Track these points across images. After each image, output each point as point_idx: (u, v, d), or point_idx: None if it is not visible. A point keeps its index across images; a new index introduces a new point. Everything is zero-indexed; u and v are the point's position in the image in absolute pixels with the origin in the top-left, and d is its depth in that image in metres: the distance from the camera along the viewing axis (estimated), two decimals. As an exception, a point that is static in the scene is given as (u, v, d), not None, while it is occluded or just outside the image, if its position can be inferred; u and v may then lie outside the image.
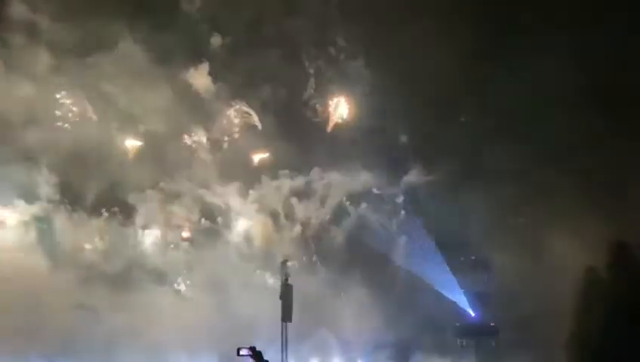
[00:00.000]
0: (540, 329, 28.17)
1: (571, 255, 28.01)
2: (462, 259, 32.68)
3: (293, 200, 34.19)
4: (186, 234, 33.14)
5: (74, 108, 31.11)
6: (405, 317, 31.57)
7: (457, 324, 33.38)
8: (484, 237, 31.26)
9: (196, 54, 32.82)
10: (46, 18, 29.73)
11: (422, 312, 31.33)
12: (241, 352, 7.30)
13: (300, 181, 34.22)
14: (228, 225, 33.64)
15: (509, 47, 30.84)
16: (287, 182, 34.16)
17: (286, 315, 29.08)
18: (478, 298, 32.78)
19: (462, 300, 32.86)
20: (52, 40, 29.86)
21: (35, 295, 27.70)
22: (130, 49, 30.22)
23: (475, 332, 33.00)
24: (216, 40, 32.95)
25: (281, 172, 34.16)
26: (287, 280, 29.54)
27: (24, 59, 29.90)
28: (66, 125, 31.12)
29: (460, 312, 33.13)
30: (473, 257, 33.04)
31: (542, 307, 28.07)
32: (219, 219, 33.57)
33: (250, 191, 33.73)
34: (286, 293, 29.27)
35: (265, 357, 8.86)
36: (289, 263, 30.73)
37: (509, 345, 29.50)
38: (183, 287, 31.59)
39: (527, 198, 29.97)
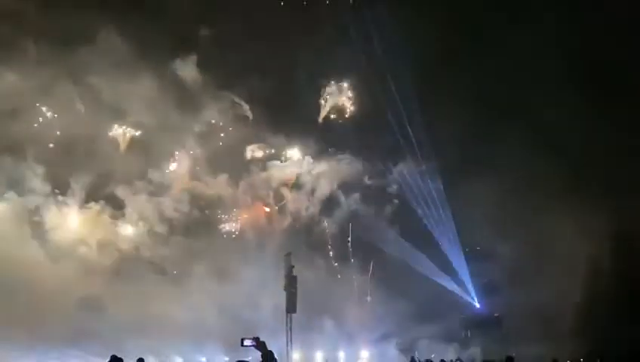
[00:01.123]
0: (545, 319, 28.07)
1: (577, 244, 27.83)
2: (466, 249, 32.53)
3: (284, 191, 34.09)
4: (177, 224, 32.98)
5: (60, 100, 30.92)
6: (409, 309, 31.51)
7: (462, 315, 33.33)
8: (489, 226, 31.06)
9: (184, 45, 32.53)
10: (32, 7, 29.33)
11: (426, 303, 31.26)
12: (245, 343, 7.19)
13: (290, 171, 34.10)
14: (219, 216, 33.62)
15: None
16: (278, 173, 34.06)
17: (290, 306, 29.08)
18: (483, 288, 32.69)
19: (467, 291, 32.78)
20: (38, 30, 29.50)
21: (36, 287, 27.59)
22: (115, 40, 29.82)
23: (480, 323, 32.95)
24: (204, 30, 32.72)
25: (272, 162, 34.10)
26: (291, 271, 29.52)
27: (9, 49, 29.57)
28: (54, 116, 31.07)
29: (464, 303, 33.07)
30: (478, 248, 32.93)
31: (548, 296, 27.93)
32: (209, 211, 33.54)
33: (240, 183, 33.61)
34: (290, 284, 29.27)
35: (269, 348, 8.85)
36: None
37: (514, 336, 29.37)
38: (183, 278, 31.42)
39: (531, 187, 29.66)
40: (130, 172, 32.13)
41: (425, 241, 32.82)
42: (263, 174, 33.98)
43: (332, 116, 34.62)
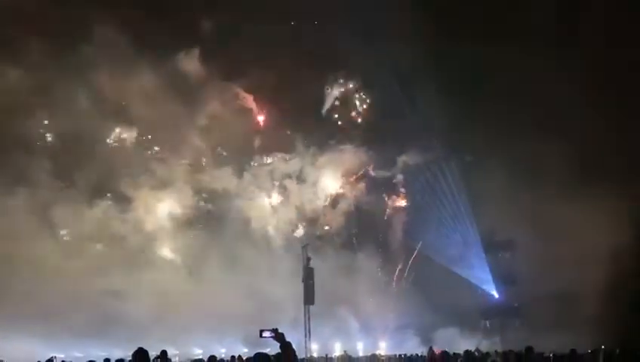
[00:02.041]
0: (564, 309, 27.82)
1: (597, 232, 27.47)
2: (483, 239, 32.32)
3: (288, 183, 34.00)
4: (185, 218, 33.21)
5: (64, 96, 31.19)
6: (427, 299, 31.44)
7: (481, 305, 33.16)
8: (507, 216, 30.79)
9: (186, 37, 32.62)
10: (33, 4, 29.54)
11: (444, 294, 31.15)
12: (264, 334, 7.24)
13: (295, 164, 34.04)
14: (226, 209, 33.65)
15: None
16: (282, 165, 34.04)
17: (308, 298, 29.15)
18: (501, 278, 32.49)
19: (485, 281, 32.59)
20: (40, 27, 29.73)
21: (56, 281, 28.02)
22: (116, 36, 29.94)
23: (499, 313, 32.78)
24: (207, 23, 32.76)
25: (276, 154, 34.10)
26: (308, 263, 29.57)
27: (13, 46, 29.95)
28: (58, 113, 31.34)
29: (483, 293, 32.89)
30: (496, 238, 32.70)
31: (567, 286, 27.66)
32: (215, 203, 33.63)
33: (245, 174, 33.68)
34: (308, 276, 29.32)
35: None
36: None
37: (534, 325, 29.17)
38: (198, 270, 31.62)
39: (551, 174, 29.31)
40: (136, 166, 32.52)
41: (443, 231, 32.74)
42: (268, 166, 34.05)
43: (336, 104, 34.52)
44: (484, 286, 32.92)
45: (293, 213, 33.89)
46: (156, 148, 33.71)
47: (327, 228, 34.22)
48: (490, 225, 32.24)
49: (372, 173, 34.51)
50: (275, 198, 34.08)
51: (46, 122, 31.54)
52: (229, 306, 29.52)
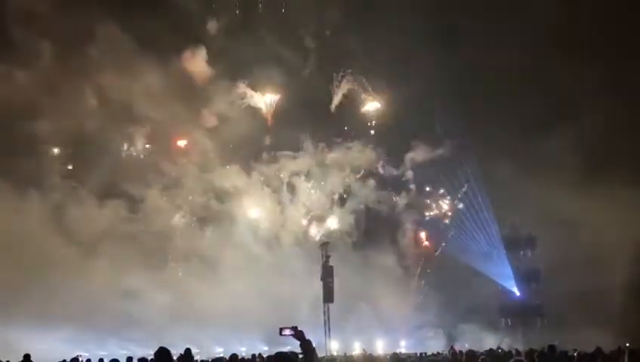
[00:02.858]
0: (588, 307, 27.39)
1: (621, 229, 27.02)
2: (503, 235, 32.00)
3: (296, 180, 33.98)
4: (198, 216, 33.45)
5: (72, 98, 31.52)
6: (448, 297, 31.21)
7: (502, 303, 32.80)
8: (527, 212, 30.42)
9: (192, 38, 32.88)
10: (46, 8, 29.82)
11: (465, 292, 30.92)
12: (284, 332, 7.24)
13: (303, 162, 34.00)
14: (236, 207, 33.70)
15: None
16: (291, 163, 34.04)
17: (328, 296, 29.14)
18: (523, 276, 32.10)
19: (506, 278, 32.24)
20: (49, 30, 30.11)
21: (75, 282, 28.37)
22: (124, 38, 30.33)
23: (521, 312, 32.40)
24: (212, 23, 32.98)
25: (284, 153, 34.06)
26: (327, 261, 29.54)
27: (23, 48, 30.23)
28: (67, 114, 31.50)
29: (505, 291, 32.53)
30: (518, 235, 32.31)
31: (590, 284, 27.21)
32: (225, 202, 33.64)
33: (253, 173, 33.72)
34: (327, 275, 29.30)
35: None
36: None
37: (556, 324, 28.79)
38: (214, 268, 31.77)
39: (574, 170, 28.89)
40: (145, 166, 32.86)
41: (463, 229, 32.48)
42: (276, 164, 34.08)
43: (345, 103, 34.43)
44: (505, 284, 32.55)
45: (302, 212, 33.87)
46: (164, 148, 33.90)
47: (336, 226, 33.98)
48: (510, 221, 31.88)
49: (381, 170, 34.25)
50: (285, 197, 34.06)
51: (55, 124, 31.63)
52: (246, 305, 29.60)
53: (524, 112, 30.79)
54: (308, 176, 34.08)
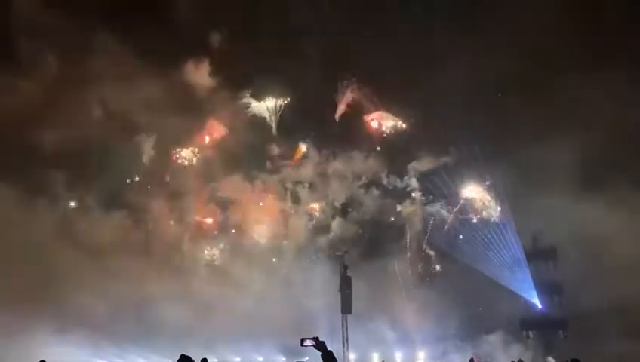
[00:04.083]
0: (613, 322, 26.79)
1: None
2: (524, 247, 31.51)
3: (301, 190, 33.80)
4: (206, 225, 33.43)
5: (74, 108, 31.54)
6: (467, 309, 30.81)
7: (522, 316, 32.27)
8: (548, 222, 29.94)
9: (195, 49, 32.95)
10: (49, 18, 29.84)
11: (485, 303, 30.51)
12: (305, 343, 7.18)
13: (306, 171, 33.84)
14: (242, 217, 33.53)
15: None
16: (293, 173, 33.89)
17: (346, 307, 29.00)
18: (545, 288, 31.54)
19: (527, 290, 31.71)
20: (56, 41, 30.33)
21: (90, 290, 28.58)
22: (125, 48, 30.45)
23: (542, 324, 31.81)
24: (214, 35, 32.88)
25: (287, 162, 34.00)
26: (345, 271, 29.41)
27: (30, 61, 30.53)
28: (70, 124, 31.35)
29: (526, 303, 32.00)
30: (540, 245, 31.79)
31: (617, 297, 26.62)
32: (230, 211, 33.50)
33: (257, 183, 33.57)
34: (345, 285, 29.17)
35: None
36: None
37: (578, 338, 28.19)
38: (228, 277, 31.67)
39: (598, 176, 28.37)
40: (150, 176, 33.15)
41: (483, 239, 32.09)
42: (279, 174, 33.94)
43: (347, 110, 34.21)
44: (526, 295, 32.02)
45: (306, 221, 33.65)
46: (168, 158, 34.07)
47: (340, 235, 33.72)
48: (532, 232, 31.42)
49: (385, 180, 34.07)
50: (289, 206, 33.89)
51: (58, 133, 31.35)
52: (262, 314, 29.48)
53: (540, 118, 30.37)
54: (312, 185, 33.90)
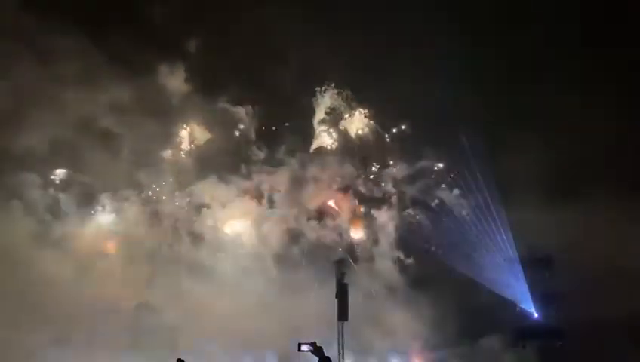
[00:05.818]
0: (612, 333, 26.70)
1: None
2: (524, 256, 31.50)
3: (276, 195, 33.54)
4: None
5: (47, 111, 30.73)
6: (463, 318, 30.75)
7: (517, 325, 32.18)
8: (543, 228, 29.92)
9: (170, 53, 32.67)
10: (33, 22, 29.28)
11: (480, 312, 30.45)
12: (302, 348, 7.09)
13: (282, 176, 33.60)
14: (219, 223, 33.32)
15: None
16: (269, 178, 33.62)
17: (342, 314, 28.93)
18: (542, 298, 31.48)
19: (524, 300, 31.66)
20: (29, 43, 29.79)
21: (83, 297, 28.51)
22: (96, 51, 30.23)
23: (538, 334, 31.68)
24: (190, 41, 32.77)
25: (264, 168, 33.72)
26: (342, 278, 29.36)
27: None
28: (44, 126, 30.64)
29: (522, 313, 31.94)
30: (537, 254, 31.75)
31: (616, 307, 26.56)
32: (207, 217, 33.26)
33: (233, 188, 33.22)
34: (342, 292, 29.13)
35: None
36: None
37: (576, 349, 28.11)
38: (220, 282, 31.32)
39: (600, 184, 28.38)
40: (124, 180, 32.75)
41: (477, 247, 32.07)
42: (256, 179, 33.64)
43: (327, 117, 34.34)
44: (522, 305, 31.96)
45: (284, 226, 33.22)
46: (144, 163, 33.68)
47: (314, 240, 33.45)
48: (530, 240, 31.41)
49: (361, 186, 34.00)
50: (265, 212, 33.63)
51: (36, 134, 30.83)
52: (257, 320, 29.29)
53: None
54: (289, 190, 33.60)
